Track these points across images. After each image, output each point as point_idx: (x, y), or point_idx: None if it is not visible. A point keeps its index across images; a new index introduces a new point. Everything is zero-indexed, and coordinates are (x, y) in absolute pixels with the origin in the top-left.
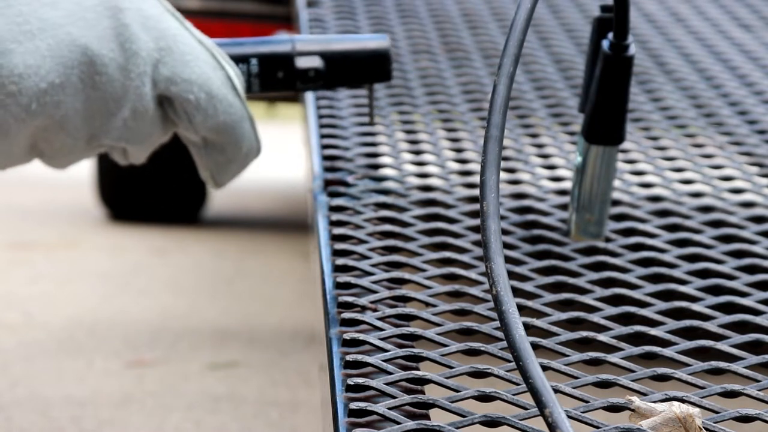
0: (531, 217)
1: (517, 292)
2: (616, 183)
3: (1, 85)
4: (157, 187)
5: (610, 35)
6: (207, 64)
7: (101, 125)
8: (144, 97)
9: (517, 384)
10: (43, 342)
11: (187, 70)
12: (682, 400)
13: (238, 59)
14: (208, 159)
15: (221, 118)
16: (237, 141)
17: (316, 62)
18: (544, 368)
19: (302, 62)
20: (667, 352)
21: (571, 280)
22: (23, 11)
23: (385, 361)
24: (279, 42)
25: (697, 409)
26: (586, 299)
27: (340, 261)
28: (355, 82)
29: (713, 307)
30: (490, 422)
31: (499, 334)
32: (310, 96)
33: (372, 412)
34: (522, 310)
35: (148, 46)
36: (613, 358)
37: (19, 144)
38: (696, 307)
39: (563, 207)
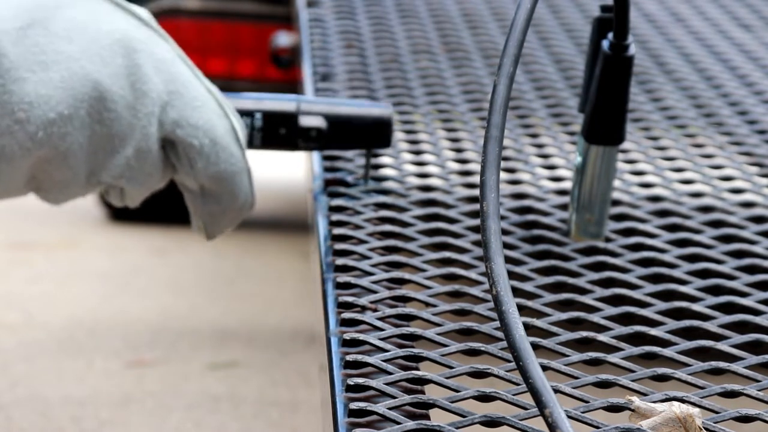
0: (531, 217)
1: (517, 292)
2: (616, 183)
3: (10, 112)
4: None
5: (610, 35)
6: (214, 112)
7: (104, 162)
8: (149, 137)
9: (517, 384)
10: (43, 342)
11: (195, 115)
12: (682, 400)
13: (243, 113)
14: (203, 208)
15: (222, 167)
16: (234, 192)
17: (318, 122)
18: (544, 368)
19: (305, 121)
20: (667, 352)
21: (571, 280)
22: (40, 42)
23: (385, 361)
24: (284, 100)
25: (697, 409)
26: (586, 299)
27: (340, 261)
28: (355, 145)
29: (713, 307)
30: (490, 422)
31: (499, 334)
32: (310, 96)
33: (372, 412)
34: (522, 310)
35: (158, 88)
36: (613, 358)
37: (20, 174)
38: (696, 307)
39: (563, 207)
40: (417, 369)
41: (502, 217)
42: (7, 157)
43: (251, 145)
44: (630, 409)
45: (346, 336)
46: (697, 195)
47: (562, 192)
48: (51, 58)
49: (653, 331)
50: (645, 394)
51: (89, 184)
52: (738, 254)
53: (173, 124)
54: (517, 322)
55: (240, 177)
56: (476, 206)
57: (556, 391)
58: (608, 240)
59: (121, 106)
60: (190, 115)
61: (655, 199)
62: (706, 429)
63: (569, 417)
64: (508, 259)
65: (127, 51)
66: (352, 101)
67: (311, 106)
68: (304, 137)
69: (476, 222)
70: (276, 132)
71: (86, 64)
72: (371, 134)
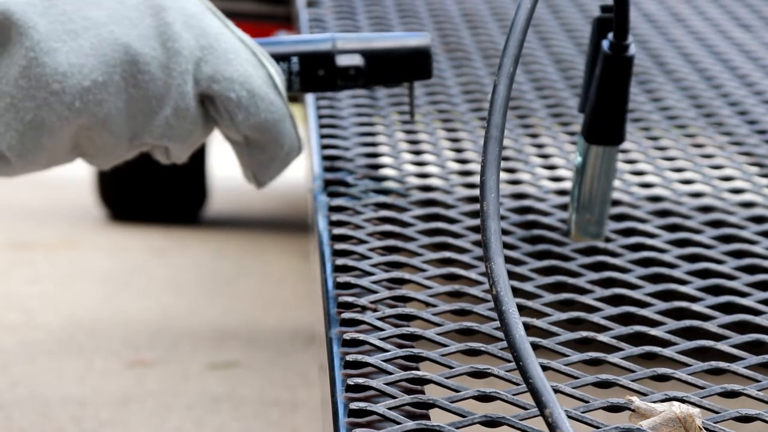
0: (531, 217)
1: (517, 292)
2: (616, 183)
3: (45, 84)
4: (157, 187)
5: (610, 35)
6: (248, 63)
7: (143, 124)
8: (186, 95)
9: (517, 384)
10: (44, 342)
11: (229, 68)
12: (682, 400)
13: (279, 58)
14: (250, 158)
15: (263, 116)
16: (278, 139)
17: (356, 60)
18: (544, 368)
19: (343, 60)
20: (667, 352)
21: (571, 280)
22: (67, 10)
23: (385, 361)
24: (320, 41)
25: (697, 409)
26: (586, 299)
27: (340, 261)
28: (395, 80)
29: (713, 307)
30: (490, 422)
31: (499, 334)
32: (310, 96)
33: (372, 412)
34: (522, 310)
35: (189, 45)
36: (613, 358)
37: (63, 143)
38: (696, 307)
39: (563, 207)
40: (417, 369)
41: (502, 217)
42: (48, 129)
43: (290, 89)
44: (630, 409)
45: (346, 336)
46: (697, 195)
47: (562, 192)
48: (79, 25)
49: (653, 331)
50: (645, 394)
51: (132, 146)
52: (738, 254)
53: (209, 80)
54: (517, 322)
55: (282, 124)
56: (476, 206)
57: (556, 391)
58: (608, 240)
59: (154, 67)
60: (224, 68)
61: (655, 199)
62: (706, 429)
63: (569, 417)
64: (508, 259)
65: (155, 10)
66: (388, 34)
67: (346, 44)
68: (343, 77)
69: (476, 222)
70: (314, 74)
71: (115, 29)
72: (411, 66)
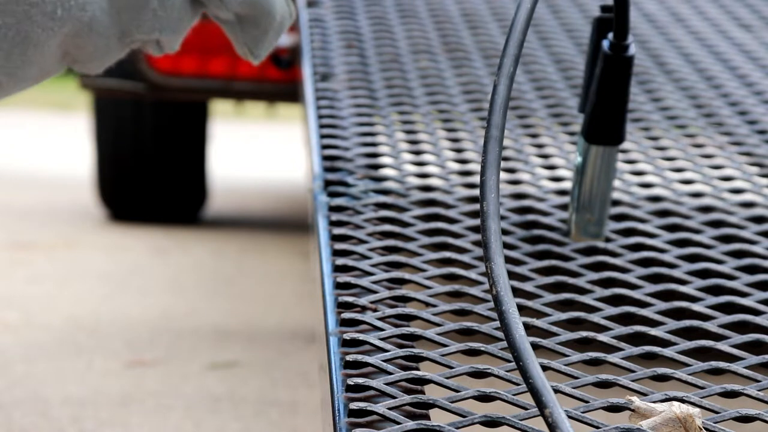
0: (531, 217)
1: (517, 292)
2: (616, 183)
3: None
4: (157, 187)
5: (610, 35)
6: None
7: (131, 20)
8: None
9: (517, 384)
10: (43, 342)
11: None
12: (682, 400)
13: None
14: (243, 35)
15: None
16: (269, 11)
17: None
18: (544, 368)
19: None
20: (667, 352)
21: (571, 280)
22: None
23: (385, 361)
24: None
25: (697, 409)
26: (586, 299)
27: (340, 261)
28: None
29: (713, 307)
30: (490, 422)
31: (499, 334)
32: (310, 96)
33: (372, 412)
34: (522, 310)
35: None
36: (613, 358)
37: (51, 54)
38: (696, 307)
39: (563, 207)
40: (417, 369)
41: (502, 218)
42: (33, 42)
43: None
44: (630, 409)
45: (346, 336)
46: (697, 195)
47: (562, 192)
48: None
49: (653, 331)
50: (645, 394)
51: (124, 45)
52: (738, 254)
53: None
54: (517, 322)
55: None
56: (476, 206)
57: (556, 391)
58: (608, 240)
59: None
60: None
61: (655, 199)
62: (706, 429)
63: (569, 417)
64: (508, 259)
65: None
66: None
67: None
68: None
69: (476, 222)
70: None
71: None
72: None
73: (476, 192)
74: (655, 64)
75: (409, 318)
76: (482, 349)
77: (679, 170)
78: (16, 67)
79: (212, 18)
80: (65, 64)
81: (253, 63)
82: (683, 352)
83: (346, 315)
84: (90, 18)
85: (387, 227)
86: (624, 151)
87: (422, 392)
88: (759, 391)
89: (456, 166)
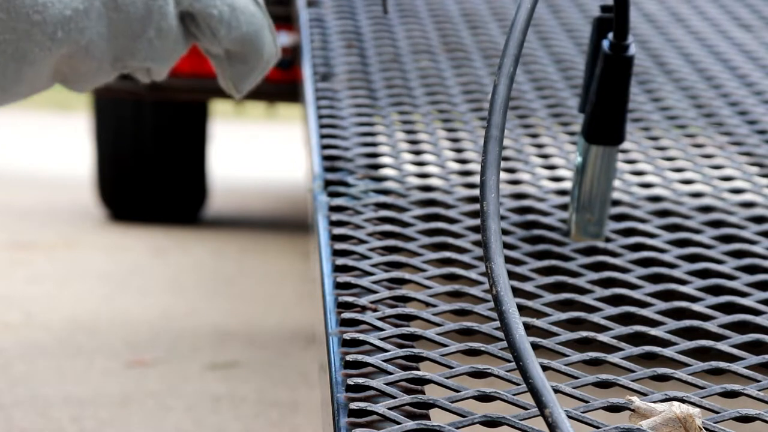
0: (531, 217)
1: (517, 292)
2: (616, 183)
3: (25, 15)
4: (157, 187)
5: (610, 35)
6: None
7: (126, 47)
8: (167, 15)
9: (517, 384)
10: (44, 342)
11: None
12: (682, 400)
13: None
14: (231, 70)
15: (244, 29)
16: (259, 50)
17: None
18: (544, 368)
19: None
20: (667, 352)
21: (571, 280)
22: None
23: (385, 361)
24: None
25: (697, 409)
26: (586, 299)
27: (340, 261)
28: None
29: (713, 307)
30: (490, 422)
31: (499, 334)
32: (310, 96)
33: (372, 412)
34: (522, 310)
35: None
36: (613, 358)
37: (44, 72)
38: (696, 307)
39: (563, 207)
40: (417, 369)
41: (502, 217)
42: (29, 61)
43: None
44: (630, 409)
45: (346, 336)
46: (697, 195)
47: (562, 192)
48: None
49: (653, 331)
50: (645, 394)
51: (114, 69)
52: (738, 254)
53: None
54: (517, 322)
55: (262, 34)
56: (476, 206)
57: (556, 391)
58: (608, 240)
59: None
60: None
61: (655, 199)
62: (706, 429)
63: (569, 417)
64: (508, 259)
65: None
66: None
67: None
68: None
69: (476, 222)
70: None
71: None
72: None
73: (476, 192)
74: (655, 64)
75: (409, 318)
76: (482, 349)
77: (679, 170)
78: (10, 82)
79: (202, 51)
80: (56, 81)
81: (234, 97)
82: (683, 352)
83: (346, 315)
84: (87, 42)
85: (387, 227)
86: (624, 151)
87: (422, 392)
88: (759, 391)
89: (456, 166)
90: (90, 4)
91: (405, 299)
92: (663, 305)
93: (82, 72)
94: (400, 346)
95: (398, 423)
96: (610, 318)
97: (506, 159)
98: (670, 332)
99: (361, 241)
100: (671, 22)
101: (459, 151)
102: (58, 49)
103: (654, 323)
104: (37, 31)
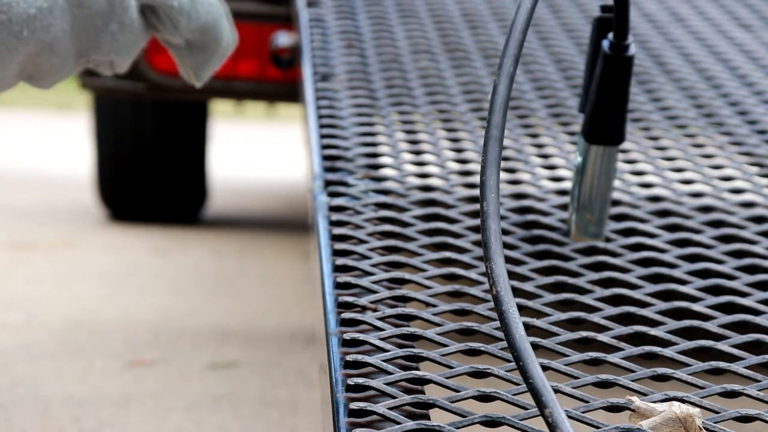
0: (531, 217)
1: (517, 292)
2: (616, 183)
3: None
4: (157, 187)
5: (610, 35)
6: None
7: (90, 42)
8: (129, 9)
9: (517, 384)
10: (44, 342)
11: None
12: (682, 400)
13: None
14: (191, 59)
15: (204, 19)
16: (218, 38)
17: None
18: (544, 368)
19: None
20: (667, 352)
21: (571, 280)
22: None
23: (385, 361)
24: None
25: (697, 409)
26: (586, 299)
27: (340, 261)
28: None
29: (713, 307)
30: (490, 422)
31: (499, 334)
32: (310, 96)
33: (372, 412)
34: (522, 310)
35: None
36: (613, 358)
37: (9, 71)
38: (696, 307)
39: (563, 207)
40: (417, 369)
41: (502, 217)
42: None
43: None
44: (630, 409)
45: (346, 336)
46: (697, 195)
47: (562, 192)
48: None
49: (653, 331)
50: (645, 394)
51: (78, 65)
52: (738, 254)
53: None
54: (517, 322)
55: (221, 22)
56: (476, 206)
57: (556, 391)
58: (608, 240)
59: None
60: None
61: (655, 199)
62: (706, 429)
63: (569, 417)
64: (508, 259)
65: None
66: None
67: None
68: None
69: (476, 222)
70: None
71: None
72: None
73: (476, 192)
74: (655, 64)
75: (409, 318)
76: (482, 349)
77: (679, 170)
78: None
79: (162, 43)
80: (21, 80)
81: (195, 85)
82: (683, 352)
83: (346, 315)
84: (52, 39)
85: (387, 227)
86: (624, 151)
87: (422, 392)
88: (759, 391)
89: (456, 166)
90: (54, 2)
91: (405, 299)
92: (663, 305)
93: (47, 69)
94: (400, 346)
95: (398, 423)
96: (610, 318)
97: (506, 159)
98: (670, 332)
99: (361, 241)
100: (671, 22)
101: (459, 151)
102: (24, 47)
103: (654, 323)
104: (3, 30)
